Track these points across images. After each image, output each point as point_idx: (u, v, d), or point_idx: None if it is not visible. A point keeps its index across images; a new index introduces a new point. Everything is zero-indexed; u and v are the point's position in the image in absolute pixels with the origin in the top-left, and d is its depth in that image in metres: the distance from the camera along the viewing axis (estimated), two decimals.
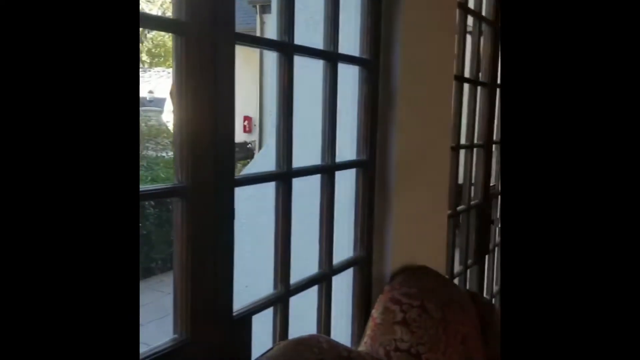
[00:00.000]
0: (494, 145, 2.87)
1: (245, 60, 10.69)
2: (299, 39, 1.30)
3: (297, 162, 1.36)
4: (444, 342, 1.52)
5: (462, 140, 2.46)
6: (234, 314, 1.13)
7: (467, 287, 2.69)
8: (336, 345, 1.21)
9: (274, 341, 1.25)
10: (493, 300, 3.14)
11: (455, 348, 1.56)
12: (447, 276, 2.34)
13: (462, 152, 2.48)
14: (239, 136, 11.21)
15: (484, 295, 2.94)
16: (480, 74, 2.64)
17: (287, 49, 1.23)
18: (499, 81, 2.85)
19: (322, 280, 1.45)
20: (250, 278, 2.34)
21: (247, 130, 11.72)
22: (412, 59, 1.66)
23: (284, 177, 1.27)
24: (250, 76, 10.36)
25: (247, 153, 10.61)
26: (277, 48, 1.24)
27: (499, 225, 3.02)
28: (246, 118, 11.63)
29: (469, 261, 2.67)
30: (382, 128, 1.63)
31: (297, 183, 1.36)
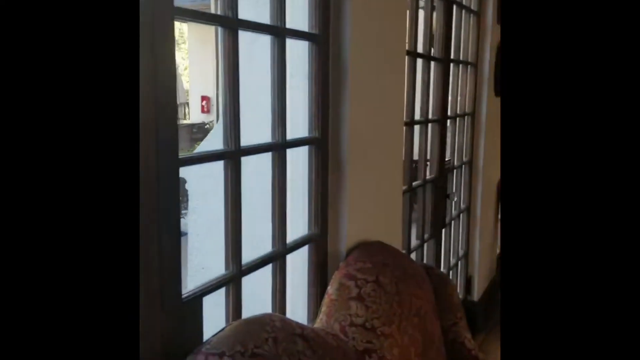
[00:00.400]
0: (448, 121, 2.90)
1: (204, 39, 10.45)
2: (247, 15, 1.26)
3: (251, 140, 1.33)
4: (398, 315, 1.54)
5: (417, 116, 2.48)
6: (183, 296, 1.11)
7: (425, 260, 2.74)
8: (289, 323, 1.21)
9: (227, 322, 1.24)
10: (450, 272, 3.20)
11: (410, 321, 1.58)
12: (404, 251, 2.37)
13: (416, 128, 2.50)
14: (198, 116, 11.01)
15: (441, 268, 3.00)
16: (433, 50, 2.65)
17: (230, 23, 1.20)
18: (452, 56, 2.87)
19: (276, 259, 1.44)
20: (208, 259, 2.32)
21: (206, 110, 11.50)
22: (362, 33, 1.65)
23: (231, 155, 1.24)
24: (210, 56, 10.13)
25: (206, 134, 10.44)
26: (220, 23, 1.20)
27: (455, 199, 3.08)
28: (204, 98, 11.40)
29: (426, 235, 2.71)
30: (334, 104, 1.62)
31: (250, 161, 1.34)
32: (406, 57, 2.14)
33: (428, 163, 2.73)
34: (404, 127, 2.30)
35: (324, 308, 1.47)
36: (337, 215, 1.65)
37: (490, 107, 3.48)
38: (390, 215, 1.99)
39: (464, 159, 3.31)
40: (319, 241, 1.62)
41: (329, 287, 1.51)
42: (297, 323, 1.24)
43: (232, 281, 1.26)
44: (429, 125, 2.60)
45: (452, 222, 3.20)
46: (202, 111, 11.35)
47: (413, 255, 2.52)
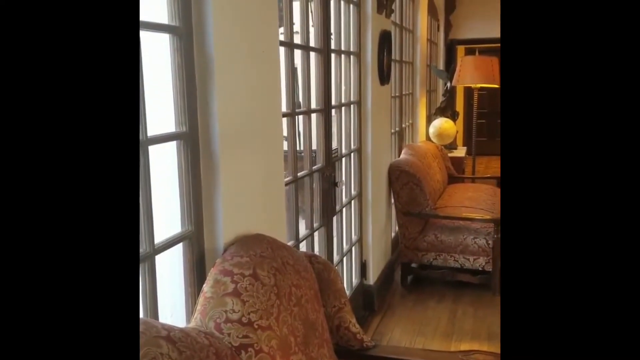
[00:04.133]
0: (333, 110, 2.94)
1: None
2: None
3: None
4: (277, 306, 1.54)
5: (299, 107, 2.49)
6: None
7: (316, 248, 2.78)
8: (154, 326, 1.17)
9: None
10: (344, 258, 3.28)
11: (290, 311, 1.59)
12: (292, 241, 2.39)
13: (300, 118, 2.51)
14: None
15: (335, 254, 3.06)
16: (311, 40, 2.67)
17: None
18: (333, 46, 2.91)
19: (144, 260, 1.39)
20: None
21: None
22: (227, 25, 1.62)
23: None
24: None
25: None
26: None
27: (343, 187, 3.14)
28: None
29: (316, 224, 2.75)
30: (202, 98, 1.58)
31: None
32: (283, 48, 2.14)
33: (315, 153, 2.76)
34: (284, 118, 2.31)
35: (198, 307, 1.44)
36: (212, 211, 1.62)
37: (375, 96, 3.58)
38: (272, 207, 1.99)
39: (353, 147, 3.39)
40: (193, 238, 1.59)
41: (204, 285, 1.48)
42: (163, 325, 1.20)
43: None
44: (312, 115, 2.62)
45: (344, 209, 3.27)
46: None
47: (303, 245, 2.54)
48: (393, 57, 4.37)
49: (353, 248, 3.46)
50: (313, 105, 2.66)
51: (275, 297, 1.55)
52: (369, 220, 3.63)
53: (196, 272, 1.60)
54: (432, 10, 6.46)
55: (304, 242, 2.56)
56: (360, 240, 3.56)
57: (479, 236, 3.91)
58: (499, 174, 6.76)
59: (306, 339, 1.64)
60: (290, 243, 2.37)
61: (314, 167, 2.70)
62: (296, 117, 2.40)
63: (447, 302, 3.82)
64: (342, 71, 3.14)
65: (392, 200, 4.15)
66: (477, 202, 4.60)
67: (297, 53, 2.45)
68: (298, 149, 3.53)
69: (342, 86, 3.16)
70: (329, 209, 2.88)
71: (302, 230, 2.62)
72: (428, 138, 6.00)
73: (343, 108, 3.20)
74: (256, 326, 1.44)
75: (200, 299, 1.45)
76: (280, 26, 2.26)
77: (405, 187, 4.03)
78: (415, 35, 5.43)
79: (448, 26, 7.63)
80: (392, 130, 4.57)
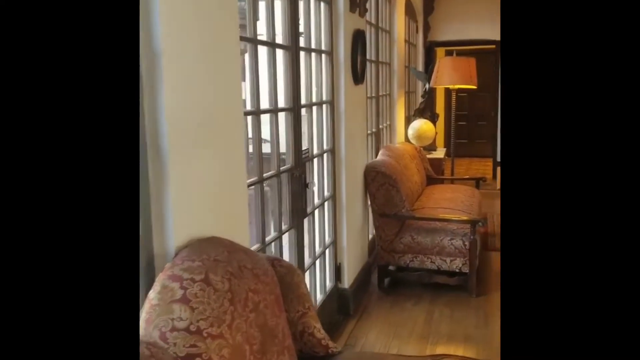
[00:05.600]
0: (303, 109, 2.87)
1: None
2: None
3: None
4: (230, 313, 1.46)
5: (265, 105, 2.42)
6: None
7: (285, 251, 2.70)
8: None
9: None
10: (317, 261, 3.20)
11: (246, 318, 1.51)
12: (257, 245, 2.31)
13: (265, 117, 2.43)
14: None
15: (306, 257, 2.98)
16: (278, 37, 2.60)
17: None
18: (303, 44, 2.84)
19: None
20: None
21: None
22: (177, 19, 1.54)
23: None
24: None
25: None
26: None
27: (315, 188, 3.07)
28: None
29: (285, 226, 2.67)
30: (148, 94, 1.49)
31: None
32: (242, 43, 2.06)
33: (284, 154, 2.69)
34: (249, 117, 2.23)
35: (143, 314, 1.35)
36: (161, 212, 1.53)
37: (349, 96, 3.52)
38: (232, 208, 1.91)
39: (326, 147, 3.32)
40: (141, 242, 1.50)
41: (150, 292, 1.39)
42: None
43: None
44: (280, 114, 2.54)
45: (316, 211, 3.19)
46: None
47: (270, 248, 2.46)
48: (368, 57, 4.31)
49: (327, 251, 3.39)
50: (281, 104, 2.59)
51: (228, 303, 1.46)
52: (343, 222, 3.56)
53: (144, 277, 1.51)
54: (409, 11, 6.43)
55: (272, 245, 2.48)
56: (334, 243, 3.48)
57: (455, 237, 3.85)
58: (478, 176, 6.75)
59: (264, 346, 1.56)
60: (255, 247, 2.29)
61: (282, 168, 2.62)
62: (261, 115, 2.32)
63: (424, 304, 3.76)
64: (313, 70, 3.07)
65: (369, 202, 4.09)
66: (455, 203, 4.56)
67: (263, 50, 2.37)
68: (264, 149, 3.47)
69: (313, 85, 3.09)
70: (299, 211, 2.80)
71: (272, 233, 2.54)
72: (407, 139, 5.96)
73: (315, 107, 3.13)
74: (205, 334, 1.36)
75: (146, 307, 1.37)
76: (245, 24, 2.19)
77: (381, 189, 3.97)
78: (392, 35, 5.39)
79: (427, 28, 7.60)
80: (369, 131, 4.51)
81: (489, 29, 7.48)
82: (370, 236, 4.39)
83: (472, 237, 3.80)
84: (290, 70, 2.66)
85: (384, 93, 5.15)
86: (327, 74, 3.28)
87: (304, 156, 2.89)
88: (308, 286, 3.02)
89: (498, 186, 7.51)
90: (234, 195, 1.92)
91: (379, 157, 4.43)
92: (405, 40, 6.15)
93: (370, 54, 4.44)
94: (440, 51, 8.64)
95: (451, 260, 3.86)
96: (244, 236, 1.98)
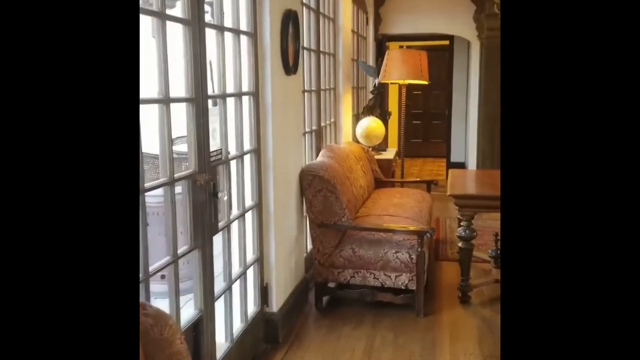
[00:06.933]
0: (210, 101, 2.33)
1: None
2: None
3: None
4: None
5: (153, 94, 1.88)
6: None
7: (184, 282, 2.15)
8: None
9: None
10: (235, 283, 2.66)
11: None
12: (140, 275, 1.75)
13: (156, 108, 1.89)
14: None
15: (221, 281, 2.44)
16: (175, 8, 2.05)
17: None
18: (211, 20, 2.30)
19: None
20: None
21: None
22: None
23: None
24: None
25: None
26: None
27: (226, 197, 2.52)
28: None
29: (184, 247, 2.13)
30: None
31: None
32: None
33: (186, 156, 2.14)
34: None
35: None
36: None
37: (277, 87, 2.99)
38: None
39: (248, 147, 2.79)
40: None
41: None
42: None
43: None
44: (172, 105, 1.99)
45: (234, 224, 2.66)
46: None
47: (156, 279, 1.91)
48: (306, 45, 3.81)
49: (249, 271, 2.85)
50: (176, 93, 2.04)
51: None
52: (271, 235, 3.03)
53: None
54: (358, 1, 5.97)
55: (159, 273, 1.93)
56: (259, 260, 2.96)
57: (401, 250, 3.39)
58: (431, 178, 6.35)
59: None
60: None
61: (180, 174, 2.08)
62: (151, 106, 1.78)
63: (365, 327, 3.28)
64: (229, 54, 2.53)
65: (305, 211, 3.59)
66: (403, 210, 4.11)
67: (147, 21, 1.83)
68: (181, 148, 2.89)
69: (229, 73, 2.55)
70: (206, 226, 2.26)
71: (164, 259, 1.99)
72: (355, 139, 5.50)
73: (231, 99, 2.59)
74: None
75: None
76: None
77: (319, 195, 3.47)
78: (337, 24, 4.90)
79: (378, 20, 7.16)
80: (307, 129, 4.01)
81: (444, 23, 7.11)
82: (309, 248, 3.88)
83: (419, 249, 3.35)
84: (192, 51, 2.12)
85: (327, 87, 4.66)
86: (249, 60, 2.75)
87: (213, 159, 2.36)
88: (220, 316, 2.49)
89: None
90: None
91: (319, 158, 3.93)
92: (354, 31, 5.68)
93: (309, 41, 3.93)
94: (393, 46, 8.22)
95: (396, 276, 3.40)
96: None
